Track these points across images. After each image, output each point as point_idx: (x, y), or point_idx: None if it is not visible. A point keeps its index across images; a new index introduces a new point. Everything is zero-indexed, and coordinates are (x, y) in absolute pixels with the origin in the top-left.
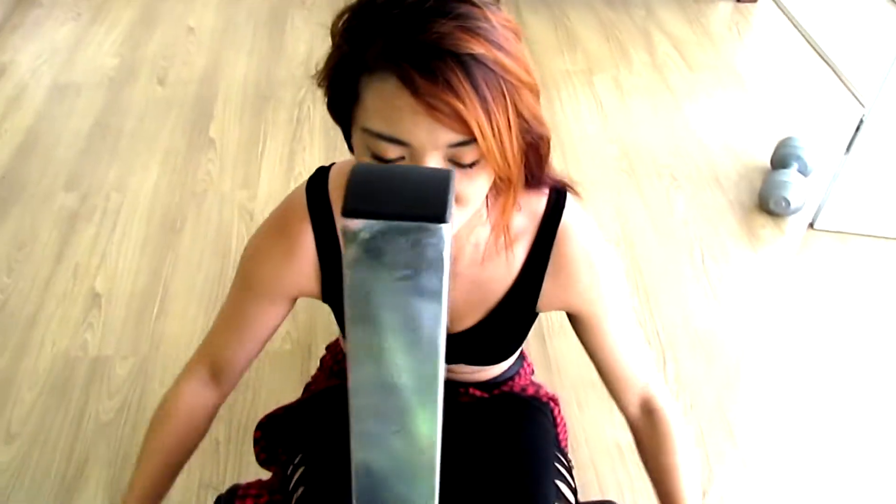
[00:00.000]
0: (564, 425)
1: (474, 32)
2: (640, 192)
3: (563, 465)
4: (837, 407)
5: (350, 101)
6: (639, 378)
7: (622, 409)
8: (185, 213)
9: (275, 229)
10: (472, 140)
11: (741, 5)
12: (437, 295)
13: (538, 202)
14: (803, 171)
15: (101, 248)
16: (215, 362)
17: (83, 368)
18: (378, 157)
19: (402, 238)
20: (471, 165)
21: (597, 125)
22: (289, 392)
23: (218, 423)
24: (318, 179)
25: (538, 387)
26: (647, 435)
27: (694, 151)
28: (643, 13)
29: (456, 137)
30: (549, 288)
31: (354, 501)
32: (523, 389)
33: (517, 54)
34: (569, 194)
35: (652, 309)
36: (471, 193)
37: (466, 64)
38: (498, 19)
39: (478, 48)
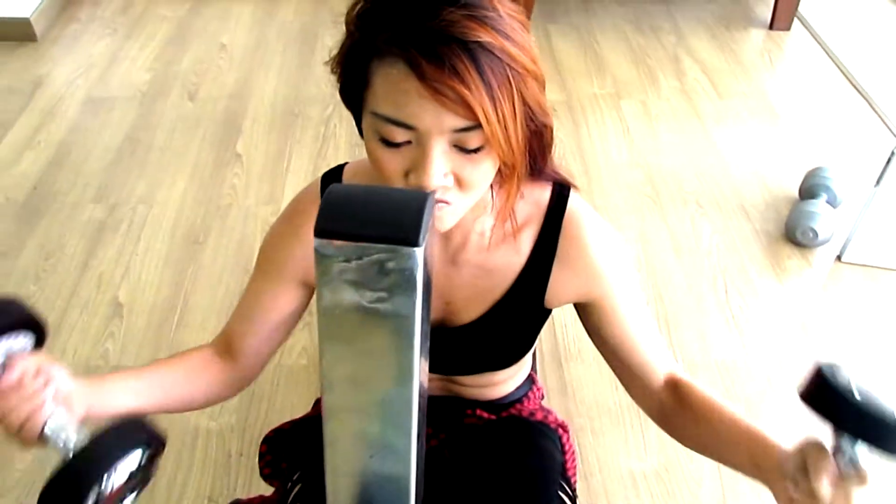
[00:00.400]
0: (573, 453)
1: (482, 21)
2: (664, 219)
3: (567, 494)
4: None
5: (361, 85)
6: (660, 362)
7: (646, 400)
8: (209, 226)
9: (288, 215)
10: (477, 125)
11: (774, 33)
12: (410, 318)
13: (542, 192)
14: (832, 203)
15: (126, 259)
16: (228, 339)
17: None
18: (386, 141)
19: (374, 260)
20: (475, 151)
21: (623, 149)
22: (303, 407)
23: (231, 435)
24: (334, 174)
25: (547, 412)
26: (684, 408)
27: (721, 179)
28: (674, 39)
29: (461, 122)
30: (558, 276)
31: None
32: (531, 414)
33: (524, 44)
34: (572, 189)
35: (672, 337)
36: (475, 178)
37: (473, 51)
38: (506, 9)
39: (485, 36)
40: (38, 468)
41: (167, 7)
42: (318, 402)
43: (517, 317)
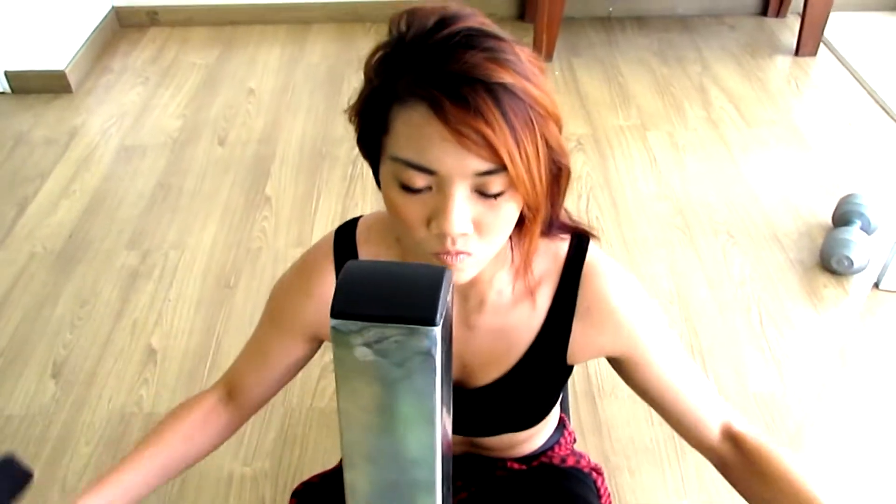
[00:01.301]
0: (609, 496)
1: (503, 63)
2: (695, 250)
3: None
4: None
5: (379, 131)
6: (711, 413)
7: (703, 451)
8: (240, 270)
9: (300, 268)
10: (500, 168)
11: (800, 59)
12: (429, 396)
13: (560, 246)
14: (866, 229)
15: (159, 305)
16: (233, 385)
17: (137, 424)
18: (406, 187)
19: (391, 340)
20: (497, 196)
21: (650, 181)
22: (335, 451)
23: (265, 481)
24: (348, 228)
25: (580, 456)
26: (740, 462)
27: (751, 208)
28: (699, 69)
29: (484, 165)
30: (579, 333)
31: None
32: (563, 460)
33: (543, 87)
34: (591, 240)
35: (707, 370)
36: (497, 225)
37: (496, 92)
38: (525, 54)
39: (507, 77)
40: None
41: (197, 55)
42: None
43: (538, 377)
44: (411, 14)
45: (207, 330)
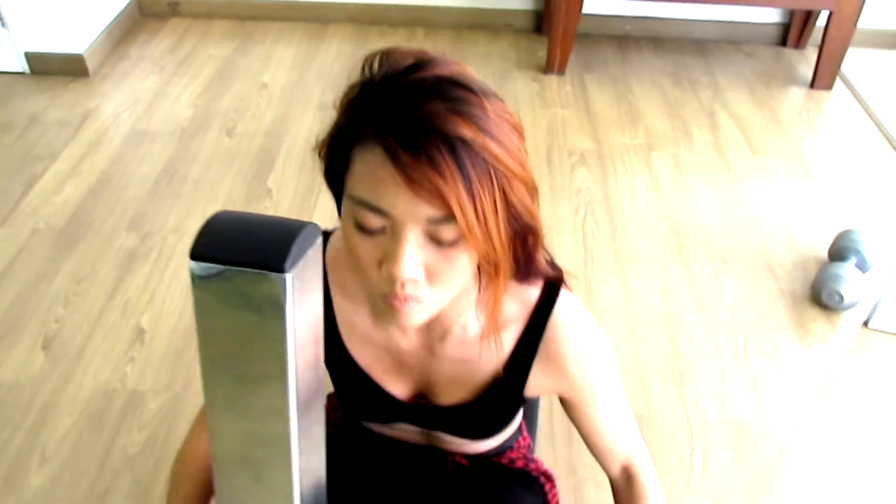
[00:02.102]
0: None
1: (465, 117)
2: (687, 272)
3: None
4: None
5: (342, 169)
6: (621, 450)
7: (605, 470)
8: None
9: None
10: (452, 217)
11: (815, 92)
12: (280, 342)
13: (530, 292)
14: (861, 267)
15: (153, 286)
16: None
17: (119, 400)
18: (361, 227)
19: (244, 284)
20: (451, 245)
21: (650, 200)
22: None
23: None
24: (325, 236)
25: (530, 461)
26: (625, 496)
27: (749, 235)
28: (710, 94)
29: (435, 213)
30: (537, 375)
31: None
32: (511, 461)
33: (510, 146)
34: (563, 287)
35: (685, 393)
36: (448, 274)
37: (453, 145)
38: (495, 109)
39: (467, 132)
40: (52, 484)
41: (214, 47)
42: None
43: (497, 406)
44: (385, 55)
45: None
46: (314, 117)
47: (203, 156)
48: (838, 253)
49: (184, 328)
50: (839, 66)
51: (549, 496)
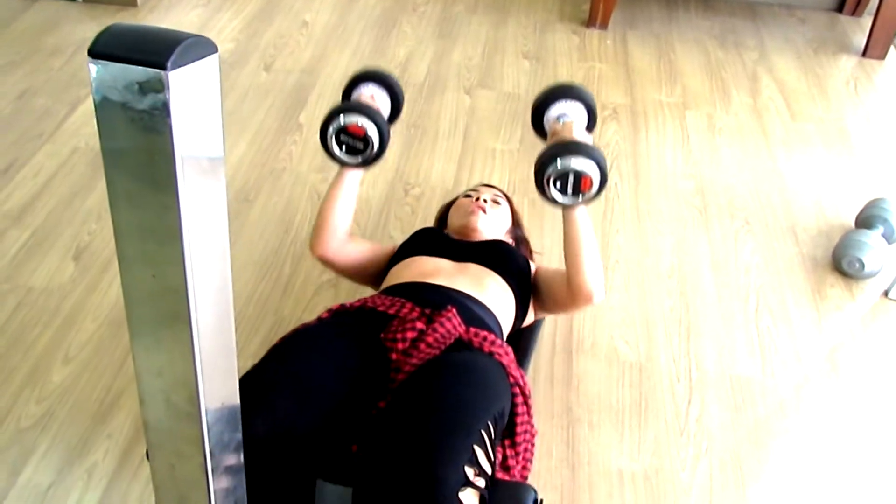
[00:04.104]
0: (525, 382)
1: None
2: (706, 230)
3: (488, 434)
4: (872, 496)
5: None
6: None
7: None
8: (260, 186)
9: None
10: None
11: (866, 61)
12: (162, 136)
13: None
14: (888, 237)
15: None
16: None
17: None
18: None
19: (133, 81)
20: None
21: (678, 158)
22: None
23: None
24: None
25: (502, 350)
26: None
27: (775, 199)
28: (755, 56)
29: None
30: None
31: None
32: (490, 343)
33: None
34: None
35: (689, 346)
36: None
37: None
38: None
39: None
40: (72, 382)
41: None
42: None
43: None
44: None
45: None
46: (351, 58)
47: (239, 88)
48: (865, 221)
49: None
50: (894, 36)
51: (512, 373)
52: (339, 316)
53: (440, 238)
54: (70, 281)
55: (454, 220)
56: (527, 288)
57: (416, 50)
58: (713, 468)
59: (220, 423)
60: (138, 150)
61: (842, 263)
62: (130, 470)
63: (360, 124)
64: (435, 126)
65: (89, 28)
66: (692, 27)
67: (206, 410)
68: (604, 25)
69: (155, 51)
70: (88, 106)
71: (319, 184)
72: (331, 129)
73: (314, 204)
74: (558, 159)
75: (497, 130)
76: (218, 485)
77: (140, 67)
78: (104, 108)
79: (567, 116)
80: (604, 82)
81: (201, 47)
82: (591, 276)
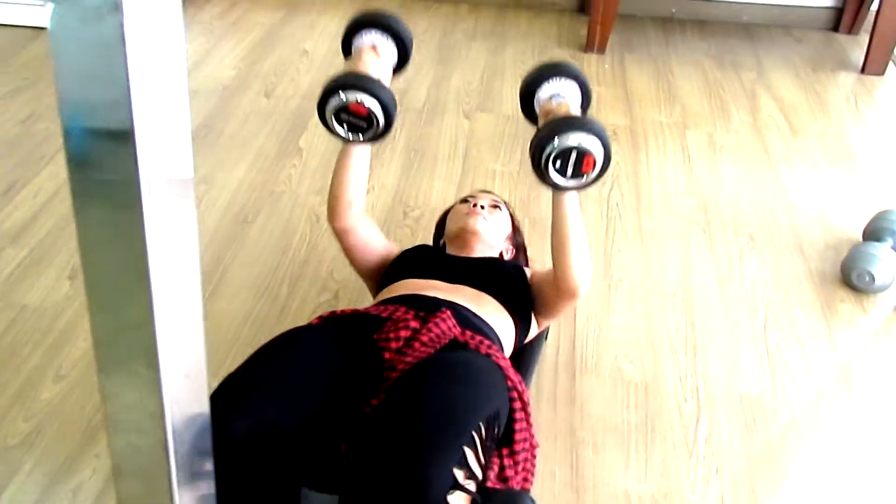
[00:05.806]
0: (522, 388)
1: None
2: (711, 248)
3: (480, 436)
4: None
5: None
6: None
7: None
8: (259, 209)
9: None
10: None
11: (865, 78)
12: (118, 45)
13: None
14: None
15: None
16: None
17: None
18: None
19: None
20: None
21: (679, 177)
22: None
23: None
24: None
25: (503, 358)
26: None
27: (780, 215)
28: (753, 76)
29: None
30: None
31: None
32: (477, 346)
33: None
34: None
35: (696, 364)
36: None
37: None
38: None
39: None
40: (62, 400)
41: (263, 14)
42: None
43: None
44: None
45: (217, 258)
46: None
47: (240, 113)
48: (873, 233)
49: (202, 269)
50: (892, 51)
51: (509, 377)
52: (330, 321)
53: (434, 258)
54: (65, 300)
55: (451, 225)
56: (525, 308)
57: (415, 75)
58: (725, 490)
59: (188, 456)
60: (95, 70)
61: (851, 277)
62: None
63: (361, 101)
64: (434, 149)
65: None
66: (689, 49)
67: (174, 450)
68: (601, 49)
69: None
70: None
71: (318, 206)
72: (329, 107)
73: (313, 226)
74: (557, 136)
75: (497, 152)
76: None
77: None
78: (59, 32)
79: (561, 96)
80: (603, 105)
81: None
82: (577, 264)
